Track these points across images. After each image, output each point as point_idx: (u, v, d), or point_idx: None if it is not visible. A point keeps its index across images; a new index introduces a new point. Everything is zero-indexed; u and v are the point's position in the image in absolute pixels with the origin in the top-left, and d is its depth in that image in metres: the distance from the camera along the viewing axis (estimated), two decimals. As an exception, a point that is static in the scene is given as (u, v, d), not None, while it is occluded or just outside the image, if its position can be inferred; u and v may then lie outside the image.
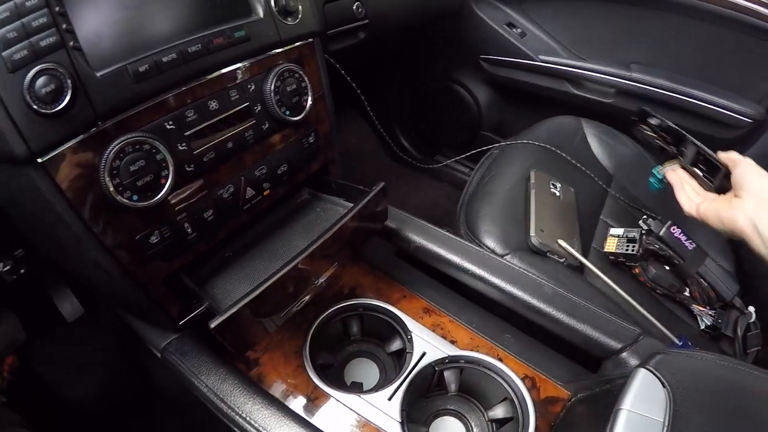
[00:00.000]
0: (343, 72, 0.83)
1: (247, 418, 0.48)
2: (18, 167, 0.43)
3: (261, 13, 0.56)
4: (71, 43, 0.42)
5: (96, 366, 1.10)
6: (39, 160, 0.42)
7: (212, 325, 0.46)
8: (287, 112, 0.57)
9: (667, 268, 0.88)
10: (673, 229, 0.86)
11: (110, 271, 0.49)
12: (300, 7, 0.60)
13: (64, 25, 0.42)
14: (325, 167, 0.70)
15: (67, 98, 0.42)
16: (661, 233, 0.85)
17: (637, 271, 0.88)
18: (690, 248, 0.85)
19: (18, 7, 0.40)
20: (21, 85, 0.40)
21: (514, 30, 1.37)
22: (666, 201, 0.91)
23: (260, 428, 0.47)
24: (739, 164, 0.67)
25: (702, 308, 0.85)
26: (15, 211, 0.51)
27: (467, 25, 1.39)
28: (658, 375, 0.42)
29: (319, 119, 0.65)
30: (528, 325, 0.66)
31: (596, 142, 1.16)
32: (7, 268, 0.68)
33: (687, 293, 0.87)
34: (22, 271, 0.70)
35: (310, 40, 0.63)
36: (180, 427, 0.98)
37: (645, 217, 0.93)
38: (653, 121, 0.85)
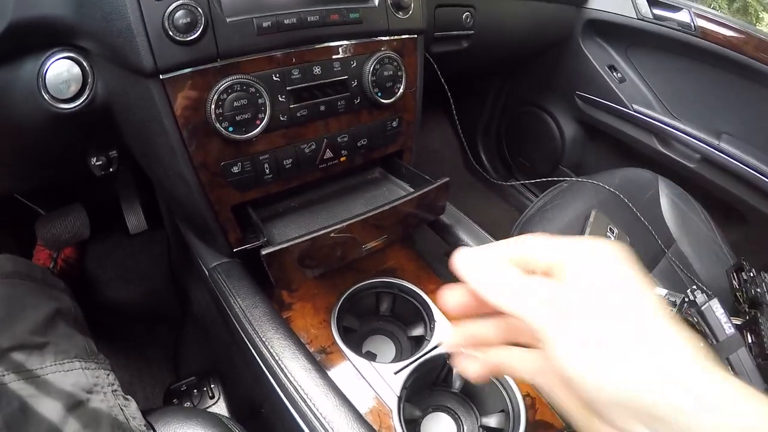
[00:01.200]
0: (439, 73, 0.88)
1: (267, 343, 0.53)
2: (142, 79, 0.50)
3: (376, 2, 0.61)
4: None
5: (142, 278, 1.20)
6: (161, 77, 0.50)
7: (264, 253, 0.52)
8: (379, 94, 0.62)
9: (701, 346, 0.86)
10: (716, 307, 0.83)
11: (191, 185, 0.57)
12: (412, 5, 0.65)
13: (208, -28, 0.49)
14: (400, 152, 0.74)
15: (198, 32, 0.49)
16: (703, 307, 0.84)
17: None
18: (728, 332, 0.82)
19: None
20: (162, 12, 0.47)
21: (614, 74, 1.36)
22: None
23: (275, 354, 0.52)
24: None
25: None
26: (124, 116, 0.59)
27: (571, 59, 1.40)
28: None
29: (406, 109, 0.70)
30: None
31: (667, 202, 1.14)
32: (99, 163, 0.75)
33: None
34: (111, 169, 0.78)
35: (415, 36, 0.68)
36: (201, 342, 1.06)
37: (694, 287, 0.91)
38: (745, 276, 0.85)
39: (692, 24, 1.20)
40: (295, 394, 0.49)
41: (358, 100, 0.62)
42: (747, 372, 0.81)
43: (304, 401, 0.48)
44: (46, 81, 0.54)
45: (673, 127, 1.26)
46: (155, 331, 1.15)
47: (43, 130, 0.58)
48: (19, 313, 0.56)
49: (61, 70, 0.54)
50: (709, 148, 1.19)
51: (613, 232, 0.95)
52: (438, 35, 0.91)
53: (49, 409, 0.48)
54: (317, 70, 0.58)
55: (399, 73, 0.64)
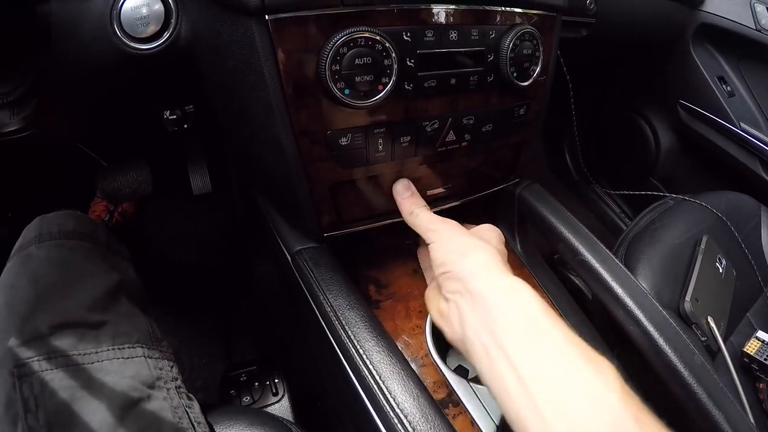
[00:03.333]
0: (562, 60, 0.78)
1: (365, 357, 0.45)
2: (241, 17, 0.42)
3: (521, -32, 0.53)
4: None
5: (200, 242, 1.16)
6: (267, 17, 0.41)
7: None
8: (514, 74, 0.53)
9: None
10: None
11: (287, 154, 0.48)
12: None
13: None
14: (519, 145, 0.66)
15: None
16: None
17: (761, 386, 0.80)
18: None
19: None
20: None
21: (724, 86, 1.25)
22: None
23: (375, 374, 0.44)
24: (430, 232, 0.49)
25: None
26: (211, 64, 0.52)
27: (677, 65, 1.28)
28: None
29: (537, 96, 0.61)
30: (644, 379, 0.59)
31: (768, 234, 1.04)
32: (174, 117, 0.70)
33: None
34: (185, 126, 0.72)
35: (554, 14, 0.59)
36: (257, 320, 1.00)
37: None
38: None
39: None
40: (390, 411, 0.41)
41: (491, 78, 0.53)
42: None
43: (400, 420, 0.40)
44: (121, 16, 0.48)
45: (780, 153, 1.14)
46: (208, 300, 1.10)
47: (113, 73, 0.52)
48: (76, 282, 0.48)
49: (139, 4, 0.48)
50: (818, 180, 1.08)
51: (722, 263, 0.86)
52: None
53: (102, 406, 0.40)
54: (454, 35, 0.49)
55: (537, 54, 0.55)
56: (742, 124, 1.21)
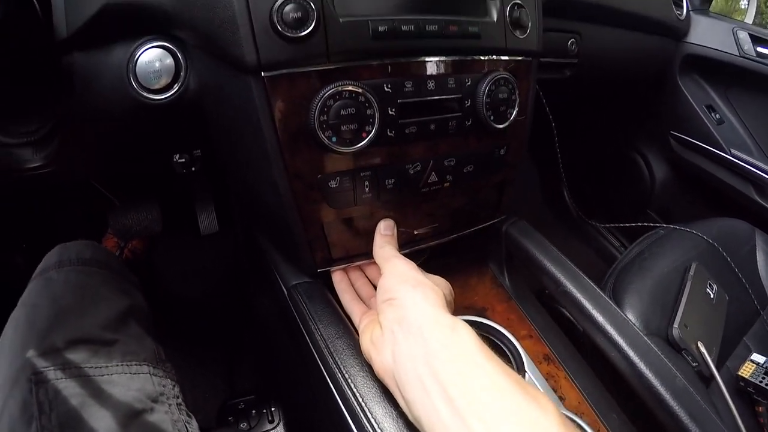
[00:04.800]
0: (544, 101, 0.82)
1: (350, 381, 0.48)
2: (241, 74, 0.47)
3: (495, 18, 0.57)
4: None
5: (205, 278, 1.20)
6: (263, 74, 0.45)
7: None
8: (491, 117, 0.57)
9: None
10: None
11: (282, 196, 0.52)
12: (530, 25, 0.61)
13: (323, -37, 0.45)
14: (502, 184, 0.69)
15: (309, 29, 0.45)
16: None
17: (760, 409, 0.80)
18: None
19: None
20: (271, 4, 0.43)
21: (713, 114, 1.29)
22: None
23: (358, 396, 0.46)
24: (386, 265, 0.51)
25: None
26: (216, 114, 0.57)
27: (666, 96, 1.33)
28: None
29: (515, 136, 0.65)
30: (637, 410, 0.61)
31: (764, 258, 1.06)
32: (182, 160, 0.75)
33: None
34: (193, 168, 0.77)
35: (530, 59, 0.63)
36: (259, 352, 1.04)
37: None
38: None
39: (800, 63, 1.13)
40: None
41: (469, 122, 0.57)
42: None
43: None
44: (137, 69, 0.53)
45: (772, 176, 1.17)
46: (212, 334, 1.14)
47: (128, 119, 0.56)
48: (91, 304, 0.53)
49: (152, 59, 0.53)
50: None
51: (712, 289, 0.88)
52: (543, 61, 0.85)
53: (108, 414, 0.44)
54: (431, 85, 0.53)
55: (513, 97, 0.59)
56: (733, 150, 1.25)
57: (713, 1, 1.40)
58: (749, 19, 1.52)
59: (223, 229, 1.14)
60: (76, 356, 0.46)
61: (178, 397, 0.53)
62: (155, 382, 0.51)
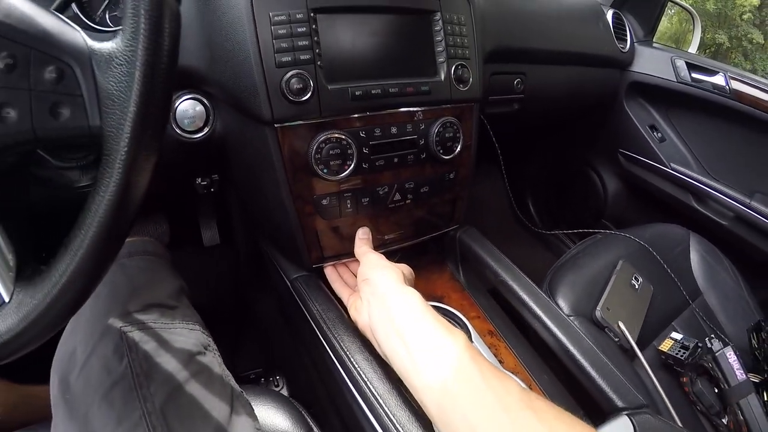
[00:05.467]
0: (491, 132, 1.01)
1: (338, 339, 0.66)
2: (260, 125, 0.65)
3: (442, 77, 0.75)
4: (318, 62, 0.64)
5: (208, 286, 1.33)
6: (276, 125, 0.64)
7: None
8: (441, 151, 0.76)
9: (716, 390, 0.93)
10: (729, 354, 0.91)
11: (288, 212, 0.71)
12: (471, 79, 0.79)
13: (317, 50, 0.64)
14: (454, 200, 0.88)
15: (308, 95, 0.64)
16: (717, 353, 0.92)
17: (685, 380, 0.93)
18: (739, 378, 0.89)
19: (292, 29, 0.62)
20: (281, 77, 0.62)
21: (655, 133, 1.46)
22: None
23: (345, 349, 0.64)
24: (363, 257, 0.69)
25: (733, 442, 0.87)
26: (237, 151, 0.74)
27: (615, 118, 1.51)
28: (635, 424, 0.54)
29: (462, 163, 0.83)
30: (564, 373, 0.78)
31: (697, 257, 1.22)
32: (204, 183, 0.92)
33: (725, 421, 0.89)
34: (212, 189, 0.94)
35: (472, 103, 0.82)
36: (259, 346, 1.18)
37: (712, 336, 0.99)
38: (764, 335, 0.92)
39: (727, 87, 1.30)
40: (362, 381, 0.61)
41: (424, 155, 0.76)
42: (756, 418, 0.87)
43: (366, 383, 0.60)
44: (176, 115, 0.68)
45: (708, 186, 1.35)
46: (215, 335, 1.29)
47: (169, 153, 0.70)
48: (157, 281, 0.71)
49: (188, 108, 0.68)
50: (741, 207, 1.28)
51: (637, 281, 1.04)
52: (492, 99, 1.04)
53: (175, 354, 0.59)
54: (394, 129, 0.72)
55: (457, 135, 0.78)
56: (673, 165, 1.42)
57: (669, 24, 1.58)
58: (693, 48, 1.70)
59: (224, 242, 1.29)
60: (150, 316, 0.63)
61: (218, 351, 0.70)
62: (204, 337, 0.68)
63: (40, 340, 0.39)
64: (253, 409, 0.64)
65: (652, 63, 1.46)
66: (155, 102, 0.37)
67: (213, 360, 0.65)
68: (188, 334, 0.65)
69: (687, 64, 1.41)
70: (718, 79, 1.34)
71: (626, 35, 1.46)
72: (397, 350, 0.53)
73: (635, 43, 1.49)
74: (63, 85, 0.37)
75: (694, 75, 1.39)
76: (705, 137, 1.44)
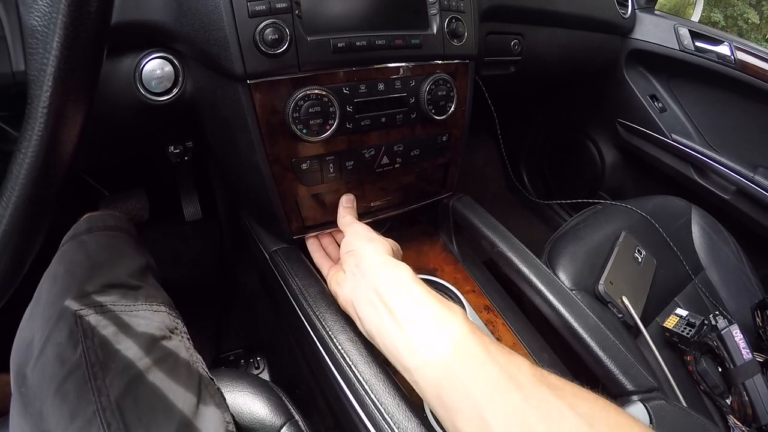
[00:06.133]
0: (486, 95, 0.95)
1: (320, 317, 0.61)
2: (232, 82, 0.59)
3: (434, 30, 0.69)
4: (296, 12, 0.58)
5: (191, 262, 1.29)
6: (248, 82, 0.58)
7: None
8: (432, 110, 0.70)
9: (720, 370, 0.89)
10: (735, 332, 0.87)
11: (264, 177, 0.65)
12: (466, 34, 0.72)
13: (295, -2, 0.58)
14: (447, 165, 0.82)
15: (284, 47, 0.58)
16: (723, 331, 0.87)
17: (688, 358, 0.90)
18: (745, 357, 0.85)
19: (266, -25, 0.56)
20: (254, 28, 0.56)
21: (655, 103, 1.41)
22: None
23: (327, 327, 0.59)
24: (348, 228, 0.65)
25: (738, 422, 0.84)
26: (209, 112, 0.69)
27: (614, 87, 1.46)
28: (650, 411, 0.49)
29: (456, 125, 0.78)
30: (566, 352, 0.73)
31: (699, 231, 1.18)
32: (177, 151, 0.87)
33: (729, 401, 0.86)
34: (186, 158, 0.89)
35: (467, 61, 0.76)
36: (244, 322, 1.14)
37: (717, 313, 0.95)
38: None
39: (732, 57, 1.26)
40: (342, 360, 0.56)
41: (414, 115, 0.70)
42: (761, 398, 0.83)
43: (350, 367, 0.55)
44: (142, 76, 0.63)
45: (709, 158, 1.31)
46: (199, 312, 1.25)
47: (134, 117, 0.67)
48: (119, 258, 0.65)
49: (155, 68, 0.64)
50: (744, 180, 1.24)
51: (640, 254, 1.00)
52: (488, 60, 0.98)
53: (137, 338, 0.55)
54: (381, 86, 0.66)
55: (451, 94, 0.72)
56: (674, 136, 1.37)
57: (667, -4, 1.52)
58: (696, 17, 1.64)
59: (206, 217, 1.24)
60: (109, 298, 0.58)
61: (187, 334, 0.65)
62: (171, 319, 0.63)
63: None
64: (224, 398, 0.59)
65: (654, 30, 1.40)
66: (84, 34, 0.31)
67: (179, 344, 0.60)
68: (151, 317, 0.60)
69: (690, 32, 1.35)
70: (723, 49, 1.29)
71: (627, 0, 1.39)
72: (386, 326, 0.48)
73: (636, 10, 1.43)
74: (-17, 26, 0.31)
75: (698, 44, 1.34)
76: (707, 109, 1.40)
